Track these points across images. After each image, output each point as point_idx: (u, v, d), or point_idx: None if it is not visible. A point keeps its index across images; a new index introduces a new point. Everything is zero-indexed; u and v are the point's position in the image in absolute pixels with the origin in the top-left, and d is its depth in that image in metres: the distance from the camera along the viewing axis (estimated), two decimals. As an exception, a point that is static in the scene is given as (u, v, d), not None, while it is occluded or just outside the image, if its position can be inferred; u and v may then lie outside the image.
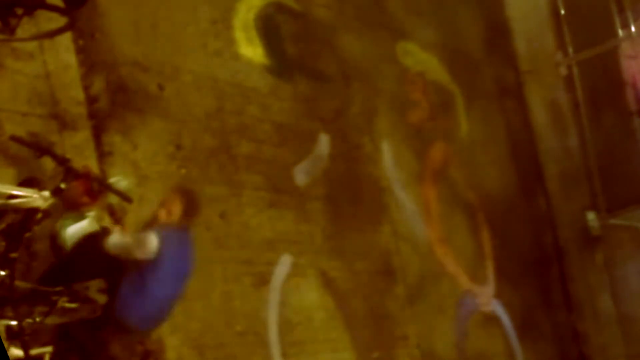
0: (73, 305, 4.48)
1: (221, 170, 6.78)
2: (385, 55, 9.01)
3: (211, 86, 6.92)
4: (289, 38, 7.85)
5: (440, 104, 9.64)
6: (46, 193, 4.12)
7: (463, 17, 10.45)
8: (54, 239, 4.89)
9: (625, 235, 10.85)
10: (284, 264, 7.02)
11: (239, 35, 7.33)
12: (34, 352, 4.29)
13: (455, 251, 9.06)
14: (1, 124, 5.17)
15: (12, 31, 4.87)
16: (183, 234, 5.36)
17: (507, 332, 9.49)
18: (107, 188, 5.14)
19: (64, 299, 4.39)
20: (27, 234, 4.15)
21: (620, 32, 10.52)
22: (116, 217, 5.72)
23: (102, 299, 4.44)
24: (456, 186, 9.48)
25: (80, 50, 5.91)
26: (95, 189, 4.35)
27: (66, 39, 5.74)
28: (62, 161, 4.20)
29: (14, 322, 4.06)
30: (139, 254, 5.03)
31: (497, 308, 9.43)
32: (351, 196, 8.00)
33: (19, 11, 4.82)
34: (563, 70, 10.97)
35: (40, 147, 4.36)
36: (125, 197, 4.86)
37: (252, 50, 7.40)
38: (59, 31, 5.18)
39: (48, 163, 4.27)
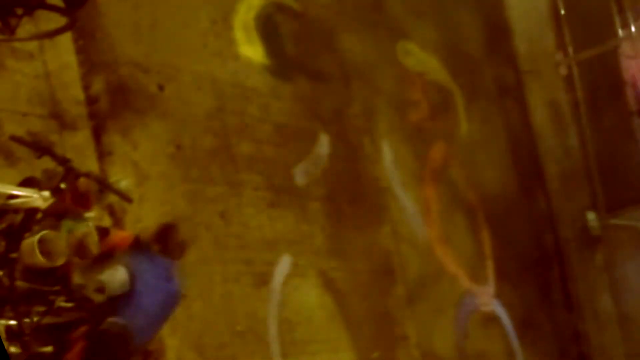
0: (70, 304, 4.48)
1: (221, 170, 6.77)
2: (385, 55, 9.01)
3: (211, 86, 6.92)
4: (289, 38, 7.85)
5: (440, 104, 9.64)
6: (46, 193, 4.12)
7: (463, 17, 10.45)
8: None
9: (625, 235, 10.86)
10: (284, 264, 7.02)
11: (239, 35, 7.33)
12: (34, 352, 4.29)
13: (455, 251, 9.06)
14: (1, 124, 5.17)
15: (12, 31, 4.87)
16: (166, 266, 4.89)
17: (507, 332, 9.49)
18: (107, 188, 5.14)
19: (61, 298, 4.38)
20: (27, 234, 4.15)
21: (620, 32, 10.53)
22: (116, 217, 5.73)
23: (99, 297, 4.43)
24: (456, 186, 9.48)
25: (80, 50, 5.91)
26: (88, 196, 4.32)
27: (66, 39, 5.74)
28: (62, 161, 4.20)
29: (13, 322, 4.06)
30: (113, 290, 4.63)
31: (497, 308, 9.44)
32: (351, 196, 8.00)
33: (19, 11, 4.82)
34: (563, 70, 10.98)
35: (40, 147, 4.35)
36: (125, 197, 4.85)
37: (252, 50, 7.40)
38: (59, 31, 5.19)
39: (48, 163, 4.26)
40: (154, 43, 6.54)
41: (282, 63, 7.63)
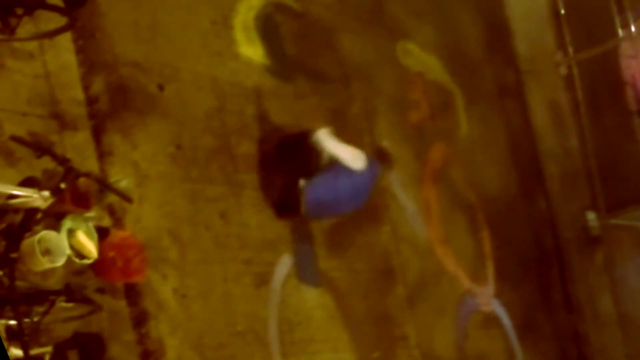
0: (70, 305, 4.48)
1: (221, 170, 6.78)
2: (385, 55, 9.01)
3: (211, 86, 6.92)
4: (289, 38, 7.85)
5: (440, 104, 9.64)
6: (46, 193, 4.12)
7: (463, 17, 10.45)
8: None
9: (625, 235, 10.86)
10: (284, 264, 7.02)
11: (239, 35, 7.33)
12: (34, 352, 4.29)
13: (455, 251, 9.06)
14: (1, 124, 5.17)
15: (12, 31, 4.87)
16: (376, 166, 7.03)
17: (507, 332, 9.49)
18: (107, 188, 5.15)
19: (62, 298, 4.39)
20: (27, 234, 4.15)
21: (620, 32, 10.53)
22: (116, 217, 5.73)
23: (100, 298, 4.44)
24: (456, 186, 9.48)
25: (80, 50, 5.91)
26: (88, 196, 4.37)
27: (66, 39, 5.74)
28: (62, 161, 4.20)
29: (13, 322, 4.06)
30: (351, 164, 6.73)
31: (497, 308, 9.44)
32: (351, 196, 8.00)
33: (19, 11, 4.82)
34: (563, 70, 10.98)
35: (40, 147, 4.35)
36: (125, 197, 4.86)
37: (252, 50, 7.40)
38: (59, 31, 5.19)
39: (48, 163, 4.26)
40: (154, 43, 6.54)
41: (282, 63, 7.63)
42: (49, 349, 4.55)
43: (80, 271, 5.00)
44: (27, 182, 4.28)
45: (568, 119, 11.02)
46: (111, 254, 5.11)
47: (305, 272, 7.17)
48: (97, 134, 5.87)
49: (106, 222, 5.56)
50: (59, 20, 5.09)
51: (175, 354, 5.91)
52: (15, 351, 4.06)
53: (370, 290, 7.86)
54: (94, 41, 6.05)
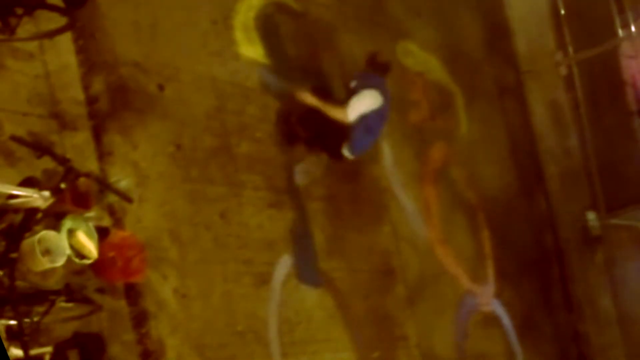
0: (70, 305, 4.48)
1: (221, 170, 6.78)
2: (385, 55, 9.00)
3: (211, 86, 6.92)
4: (289, 38, 7.85)
5: (440, 104, 9.64)
6: (46, 193, 4.12)
7: (463, 17, 10.45)
8: None
9: (625, 235, 10.86)
10: (284, 264, 7.02)
11: (239, 35, 7.33)
12: (34, 352, 4.29)
13: (455, 251, 9.06)
14: (1, 124, 5.17)
15: (12, 31, 4.87)
16: (382, 79, 7.50)
17: (507, 332, 9.49)
18: (107, 188, 5.14)
19: (62, 298, 4.39)
20: (27, 234, 4.15)
21: (620, 32, 10.53)
22: (116, 217, 5.73)
23: (100, 298, 4.44)
24: (456, 186, 9.48)
25: (80, 50, 5.91)
26: (88, 196, 4.38)
27: (66, 39, 5.74)
28: (62, 161, 4.19)
29: (13, 322, 4.06)
30: (375, 107, 7.30)
31: (497, 308, 9.44)
32: (351, 196, 8.00)
33: (19, 11, 4.83)
34: (563, 70, 10.98)
35: (40, 147, 4.35)
36: (125, 197, 4.86)
37: (252, 50, 7.40)
38: (59, 31, 5.19)
39: (48, 163, 4.26)
40: (154, 43, 6.54)
41: (282, 63, 7.63)
42: (49, 349, 4.55)
43: (80, 271, 4.99)
44: (27, 182, 4.28)
45: (568, 119, 11.02)
46: (111, 254, 5.11)
47: (305, 272, 7.17)
48: (97, 134, 5.87)
49: (106, 222, 5.55)
50: (59, 20, 5.09)
51: (175, 354, 5.91)
52: (15, 351, 4.06)
53: (370, 290, 7.86)
54: (94, 41, 6.05)
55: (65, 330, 4.88)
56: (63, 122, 5.62)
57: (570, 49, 10.85)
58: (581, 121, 10.85)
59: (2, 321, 4.06)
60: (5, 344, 3.94)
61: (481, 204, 9.68)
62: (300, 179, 7.45)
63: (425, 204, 8.90)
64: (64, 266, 4.36)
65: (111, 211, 5.69)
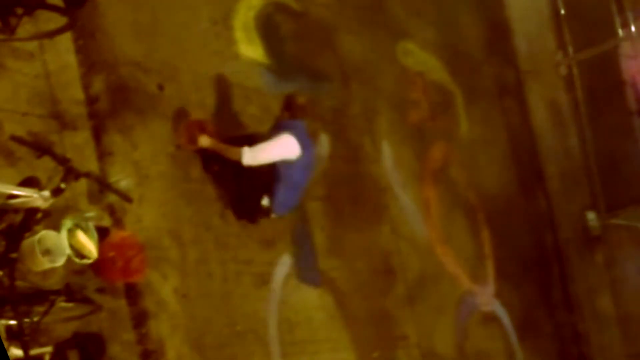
0: (70, 305, 4.48)
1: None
2: (385, 55, 9.01)
3: (211, 86, 6.92)
4: (289, 38, 7.85)
5: (440, 104, 9.64)
6: (46, 193, 4.12)
7: (463, 17, 10.45)
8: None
9: (625, 235, 10.85)
10: (284, 264, 7.02)
11: (239, 35, 7.33)
12: (34, 352, 4.29)
13: (455, 251, 9.06)
14: (1, 124, 5.17)
15: (12, 31, 4.88)
16: (300, 123, 6.47)
17: (507, 332, 9.49)
18: (107, 188, 5.15)
19: (62, 298, 4.39)
20: (27, 234, 4.15)
21: (620, 32, 10.53)
22: (116, 217, 5.73)
23: (100, 298, 4.44)
24: (456, 186, 9.48)
25: (80, 50, 5.91)
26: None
27: (66, 39, 5.74)
28: (62, 161, 4.19)
29: (13, 322, 4.06)
30: (291, 155, 6.32)
31: (497, 308, 9.44)
32: (351, 196, 8.00)
33: (19, 11, 4.83)
34: (563, 70, 10.98)
35: (40, 147, 4.35)
36: (125, 197, 4.86)
37: (252, 50, 7.40)
38: (59, 31, 5.19)
39: (48, 163, 4.26)
40: (154, 43, 6.54)
41: (282, 63, 7.63)
42: (49, 349, 4.55)
43: (80, 271, 5.00)
44: (27, 182, 4.28)
45: (568, 119, 11.02)
46: (111, 254, 5.12)
47: (305, 272, 7.17)
48: (97, 134, 5.87)
49: (106, 222, 5.56)
50: (59, 20, 5.10)
51: (175, 354, 5.91)
52: (15, 351, 4.06)
53: (370, 290, 7.86)
54: (94, 41, 6.05)
55: (65, 330, 4.89)
56: (63, 122, 5.62)
57: (570, 49, 10.86)
58: (581, 121, 10.85)
59: (2, 321, 4.06)
60: (5, 344, 3.94)
61: (481, 203, 9.68)
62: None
63: (425, 204, 8.90)
64: (64, 266, 4.37)
65: (111, 211, 5.69)
